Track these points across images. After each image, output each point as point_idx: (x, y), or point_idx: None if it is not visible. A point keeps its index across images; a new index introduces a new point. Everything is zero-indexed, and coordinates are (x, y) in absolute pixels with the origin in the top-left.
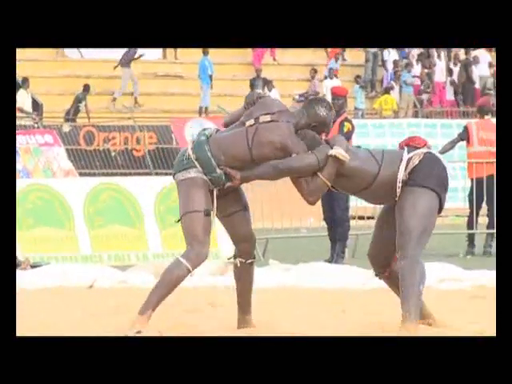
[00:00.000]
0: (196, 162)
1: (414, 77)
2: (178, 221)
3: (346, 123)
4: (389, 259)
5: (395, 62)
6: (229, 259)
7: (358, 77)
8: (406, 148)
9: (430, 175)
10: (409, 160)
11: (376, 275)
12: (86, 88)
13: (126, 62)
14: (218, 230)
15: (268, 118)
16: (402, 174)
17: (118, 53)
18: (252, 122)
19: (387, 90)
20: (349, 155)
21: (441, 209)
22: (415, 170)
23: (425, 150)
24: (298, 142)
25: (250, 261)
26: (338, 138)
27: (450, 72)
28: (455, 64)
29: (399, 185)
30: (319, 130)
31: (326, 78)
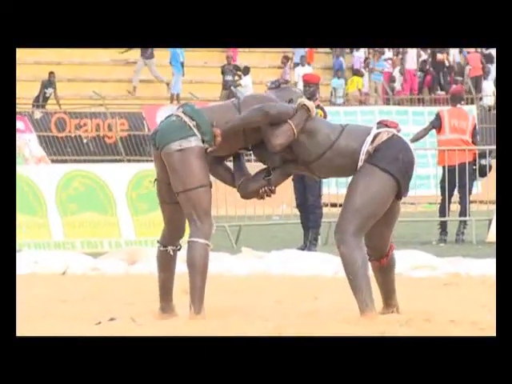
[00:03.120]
0: (195, 130)
1: (385, 60)
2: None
3: (318, 110)
4: (386, 247)
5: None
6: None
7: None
8: (376, 124)
9: (395, 159)
10: (377, 134)
11: (371, 260)
12: (52, 75)
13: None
14: None
15: None
16: (367, 146)
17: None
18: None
19: (355, 73)
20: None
21: (400, 196)
22: (381, 148)
23: (395, 131)
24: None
25: (179, 248)
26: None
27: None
28: (426, 51)
29: (362, 157)
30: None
31: (297, 65)
